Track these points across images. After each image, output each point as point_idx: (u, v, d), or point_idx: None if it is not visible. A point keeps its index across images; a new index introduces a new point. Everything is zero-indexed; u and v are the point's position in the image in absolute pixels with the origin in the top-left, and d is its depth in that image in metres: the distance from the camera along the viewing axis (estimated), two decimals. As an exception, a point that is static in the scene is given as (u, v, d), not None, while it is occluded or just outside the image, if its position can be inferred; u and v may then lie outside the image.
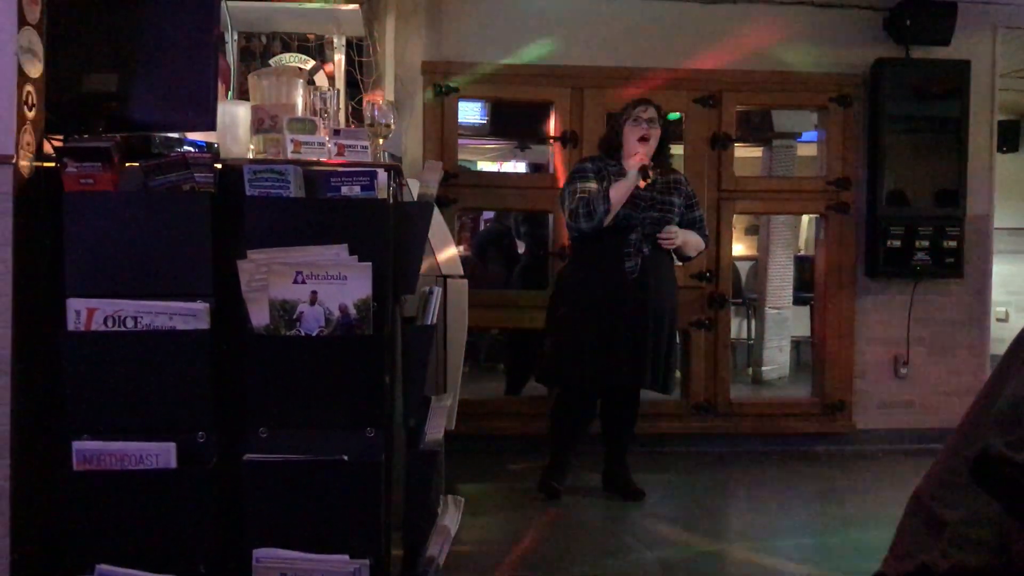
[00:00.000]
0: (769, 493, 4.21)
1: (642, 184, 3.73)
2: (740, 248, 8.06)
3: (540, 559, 3.30)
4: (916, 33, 4.82)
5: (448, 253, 3.54)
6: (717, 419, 4.92)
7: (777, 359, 6.82)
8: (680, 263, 4.03)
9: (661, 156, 3.89)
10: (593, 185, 3.74)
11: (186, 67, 2.40)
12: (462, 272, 3.62)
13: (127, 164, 2.30)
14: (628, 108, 3.88)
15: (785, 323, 6.87)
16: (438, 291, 2.76)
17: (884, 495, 4.14)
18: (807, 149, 7.10)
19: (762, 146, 7.29)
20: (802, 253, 8.09)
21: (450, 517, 3.11)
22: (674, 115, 5.16)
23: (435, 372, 3.23)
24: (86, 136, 2.31)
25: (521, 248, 6.59)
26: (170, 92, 2.39)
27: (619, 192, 3.71)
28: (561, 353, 3.83)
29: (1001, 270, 5.59)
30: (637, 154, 3.75)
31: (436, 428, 2.72)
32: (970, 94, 4.89)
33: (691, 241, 3.88)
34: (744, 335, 7.21)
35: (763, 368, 6.74)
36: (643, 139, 3.80)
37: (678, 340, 4.98)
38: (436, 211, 3.23)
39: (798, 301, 6.93)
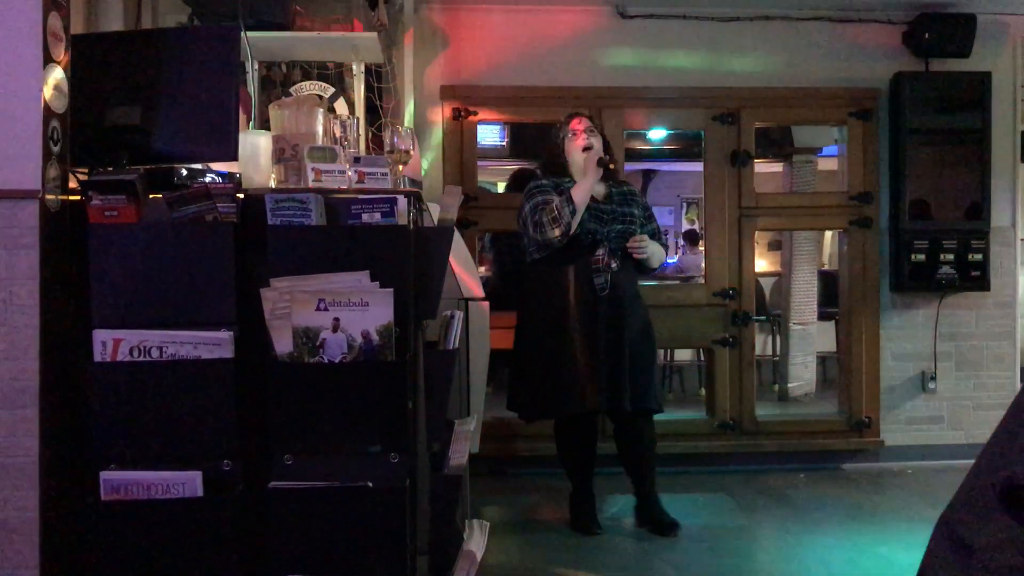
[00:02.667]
0: (797, 512, 4.17)
1: (598, 193, 3.69)
2: (763, 264, 8.03)
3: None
4: (935, 46, 4.81)
5: (469, 276, 3.55)
6: (743, 437, 4.89)
7: (803, 375, 6.76)
8: (642, 275, 3.93)
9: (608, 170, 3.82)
10: (554, 196, 3.65)
11: (208, 99, 2.43)
12: (483, 295, 3.64)
13: (151, 196, 2.32)
14: (562, 126, 3.86)
15: (810, 339, 6.82)
16: (459, 315, 2.77)
17: (913, 513, 4.09)
18: (828, 164, 7.08)
19: (782, 162, 7.27)
20: (826, 268, 8.05)
21: (476, 542, 3.10)
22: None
23: (458, 396, 3.23)
24: (110, 169, 2.34)
25: (487, 266, 6.38)
26: (192, 124, 2.42)
27: (581, 191, 3.62)
28: (539, 383, 3.70)
29: (1028, 282, 5.52)
30: (588, 149, 3.70)
31: (460, 452, 2.72)
32: (991, 105, 4.86)
33: (657, 253, 3.81)
34: (769, 352, 7.16)
35: (789, 385, 6.69)
36: (587, 148, 3.75)
37: (697, 356, 4.96)
38: (456, 234, 3.25)
39: (823, 316, 6.88)
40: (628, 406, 3.66)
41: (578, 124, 3.81)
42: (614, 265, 3.67)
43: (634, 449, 3.83)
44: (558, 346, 3.65)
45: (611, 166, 3.73)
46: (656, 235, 3.87)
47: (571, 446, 3.84)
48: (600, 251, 3.66)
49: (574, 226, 3.60)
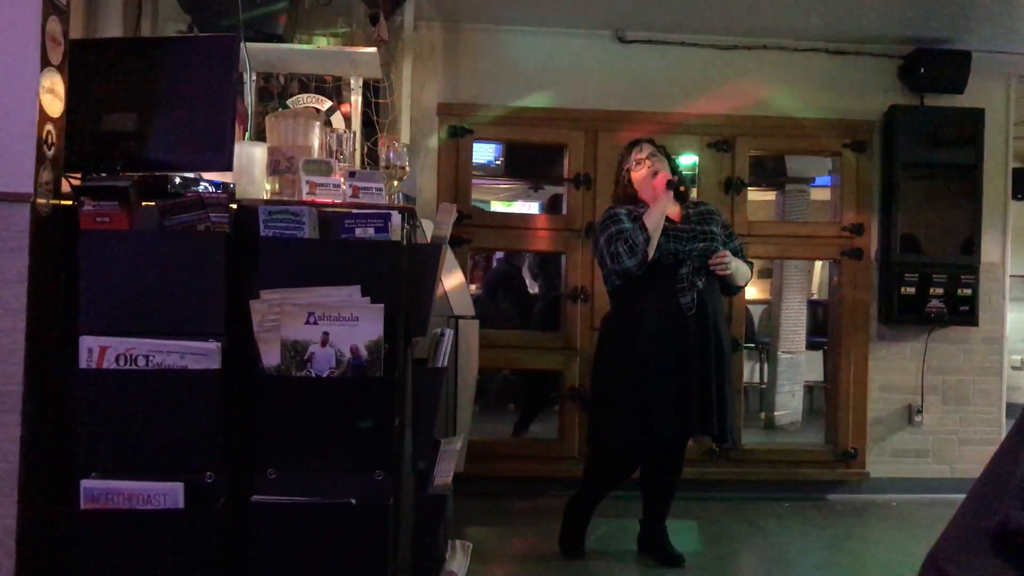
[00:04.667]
0: (780, 542, 4.16)
1: (675, 214, 3.64)
2: (753, 292, 8.04)
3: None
4: (930, 81, 4.85)
5: (459, 293, 3.54)
6: (729, 465, 4.88)
7: (790, 404, 6.77)
8: (727, 296, 3.84)
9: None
10: (627, 225, 3.56)
11: (204, 108, 2.43)
12: (473, 313, 3.63)
13: (143, 203, 2.31)
14: (625, 157, 3.77)
15: (798, 368, 6.83)
16: (449, 333, 2.76)
17: (896, 546, 4.08)
18: (821, 194, 7.11)
19: (775, 191, 7.30)
20: (815, 297, 8.07)
21: (458, 562, 3.08)
22: (692, 162, 5.17)
23: (444, 414, 3.22)
24: (104, 175, 2.33)
25: (534, 289, 6.62)
26: (187, 132, 2.41)
27: (653, 218, 3.53)
28: (624, 410, 3.54)
29: (1016, 318, 5.56)
30: (657, 174, 3.61)
31: (445, 472, 2.70)
32: (984, 142, 4.90)
33: (741, 269, 3.69)
34: (756, 379, 7.17)
35: (776, 413, 6.69)
36: (655, 174, 3.65)
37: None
38: (449, 252, 3.24)
39: (811, 346, 6.89)
40: (715, 431, 3.54)
41: (639, 152, 3.71)
42: (699, 283, 3.55)
43: (665, 478, 3.75)
44: (646, 369, 3.50)
45: (681, 188, 3.62)
46: (739, 253, 3.74)
47: (611, 472, 3.72)
48: (684, 270, 3.54)
49: (651, 253, 3.50)
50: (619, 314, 3.68)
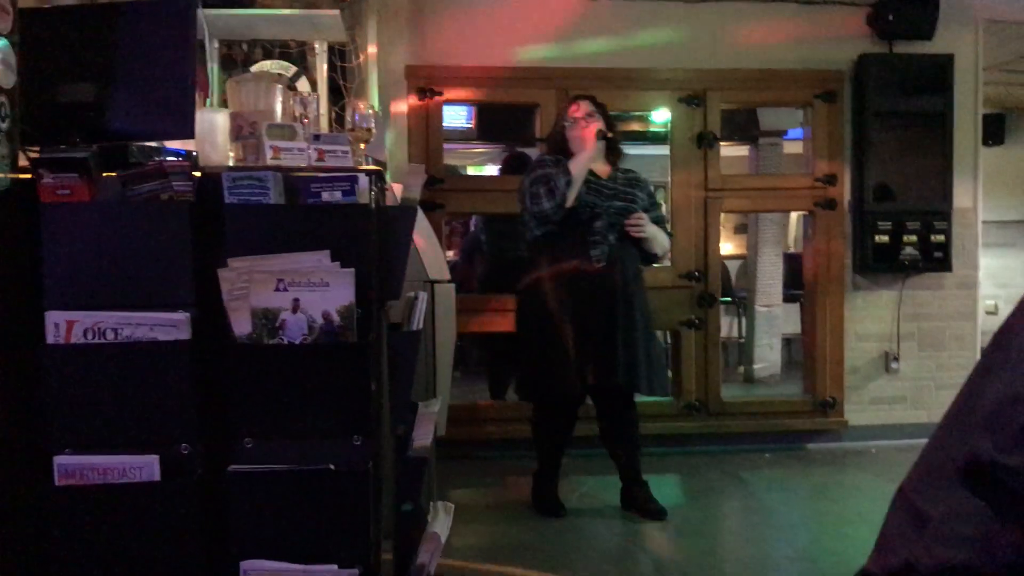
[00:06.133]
0: (762, 492, 4.20)
1: (604, 172, 3.66)
2: (729, 247, 8.07)
3: (533, 565, 3.28)
4: (899, 28, 4.84)
5: (434, 258, 3.52)
6: (709, 419, 4.91)
7: (768, 357, 6.82)
8: (645, 264, 3.86)
9: (613, 148, 3.78)
10: (553, 170, 3.60)
11: (163, 75, 2.37)
12: (449, 277, 3.61)
13: (104, 174, 2.27)
14: (563, 111, 3.80)
15: (775, 321, 6.87)
16: (424, 296, 2.74)
17: (877, 491, 4.13)
18: (794, 147, 7.11)
19: (748, 144, 7.30)
20: (791, 250, 8.10)
21: (440, 524, 3.09)
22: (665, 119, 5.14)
23: (423, 378, 3.21)
24: (62, 147, 2.28)
25: (455, 250, 6.49)
26: (148, 101, 2.36)
27: (578, 164, 3.57)
28: (539, 362, 3.65)
29: (989, 263, 5.61)
30: (589, 125, 3.65)
31: (424, 434, 2.69)
32: (954, 88, 4.90)
33: (659, 237, 3.74)
34: (734, 334, 7.21)
35: (754, 366, 6.74)
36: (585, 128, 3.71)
37: (664, 339, 4.97)
38: (422, 215, 3.22)
39: (788, 298, 6.93)
40: (619, 382, 3.59)
41: (576, 110, 3.74)
42: (612, 239, 3.60)
43: (616, 432, 3.79)
44: (553, 321, 3.57)
45: (608, 135, 3.67)
46: (660, 223, 3.79)
47: (551, 427, 3.79)
48: (598, 223, 3.59)
49: (570, 199, 3.53)
50: (533, 267, 3.73)
